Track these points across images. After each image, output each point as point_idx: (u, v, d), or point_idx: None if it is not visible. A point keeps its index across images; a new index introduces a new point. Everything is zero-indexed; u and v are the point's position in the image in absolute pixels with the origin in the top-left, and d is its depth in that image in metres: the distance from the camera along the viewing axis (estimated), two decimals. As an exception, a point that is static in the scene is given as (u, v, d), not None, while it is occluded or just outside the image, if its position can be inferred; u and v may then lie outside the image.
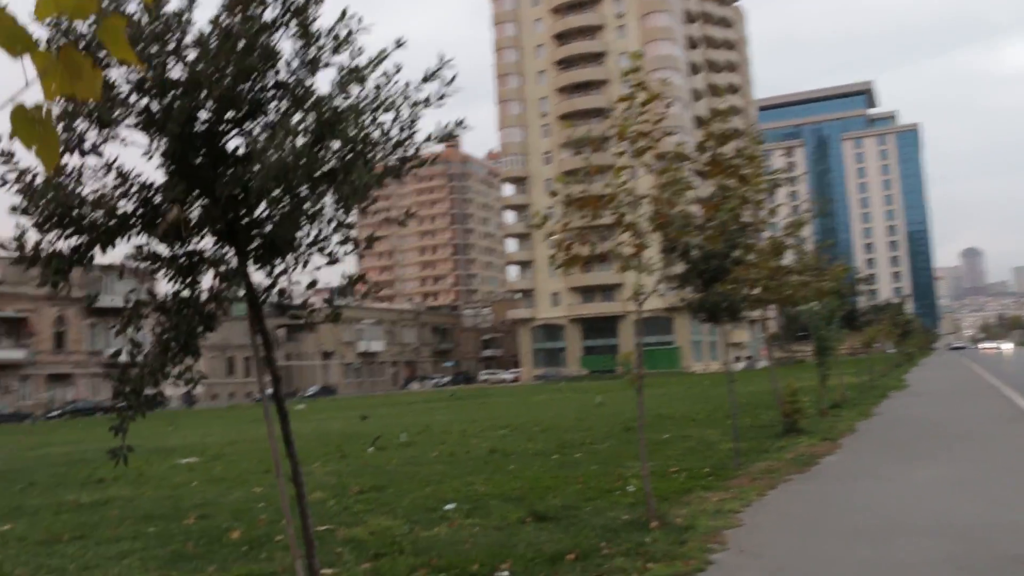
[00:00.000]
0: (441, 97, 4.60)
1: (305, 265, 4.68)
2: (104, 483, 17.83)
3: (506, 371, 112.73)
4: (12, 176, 4.29)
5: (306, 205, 4.13)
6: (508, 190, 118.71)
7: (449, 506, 11.43)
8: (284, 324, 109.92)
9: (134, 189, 4.40)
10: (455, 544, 8.84)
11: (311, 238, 4.44)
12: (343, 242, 4.57)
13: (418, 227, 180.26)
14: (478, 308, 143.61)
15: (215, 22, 4.19)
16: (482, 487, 13.16)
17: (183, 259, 4.52)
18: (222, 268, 4.37)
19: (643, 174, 9.51)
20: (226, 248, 4.64)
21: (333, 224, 4.45)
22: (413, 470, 16.38)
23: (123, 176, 4.40)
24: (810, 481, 12.54)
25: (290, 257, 4.53)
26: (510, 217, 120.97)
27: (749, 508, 10.26)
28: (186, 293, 4.69)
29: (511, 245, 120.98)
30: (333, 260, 4.69)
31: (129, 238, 4.52)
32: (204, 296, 4.60)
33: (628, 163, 9.11)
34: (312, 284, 4.90)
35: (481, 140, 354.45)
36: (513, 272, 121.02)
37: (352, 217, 4.56)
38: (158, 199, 4.42)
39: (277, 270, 4.74)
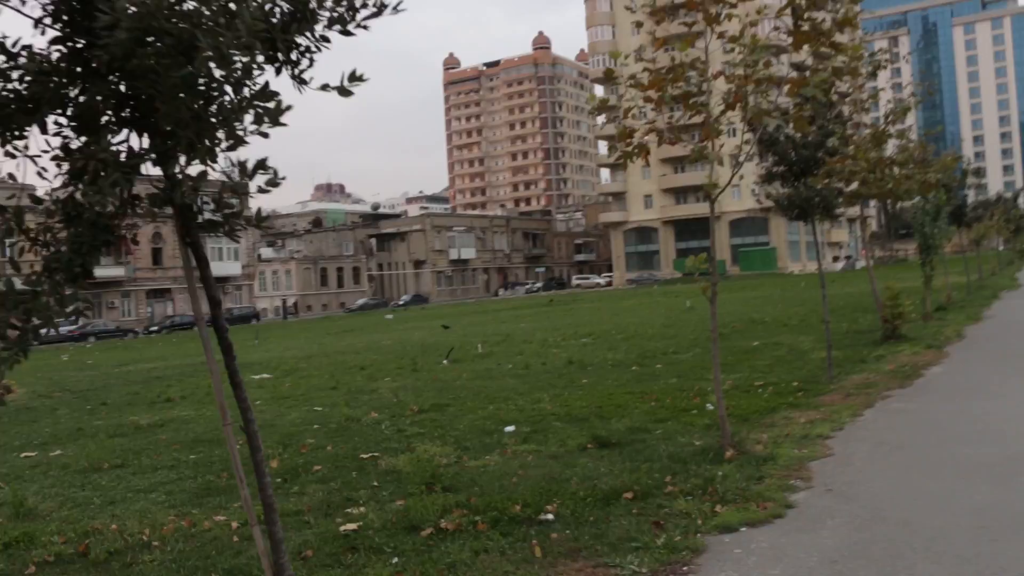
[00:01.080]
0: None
1: (202, 152, 3.53)
2: (172, 403, 17.51)
3: (599, 276, 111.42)
4: None
5: (184, 69, 2.99)
6: (599, 91, 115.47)
7: (508, 428, 10.49)
8: (375, 234, 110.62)
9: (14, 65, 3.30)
10: (502, 477, 7.87)
11: (200, 111, 3.28)
12: (256, 119, 3.42)
13: (509, 132, 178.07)
14: (570, 212, 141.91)
15: None
16: (549, 405, 12.18)
17: (80, 155, 3.43)
18: (102, 157, 3.26)
19: (719, 47, 8.07)
20: (132, 137, 3.55)
21: (233, 93, 3.29)
22: (482, 385, 15.53)
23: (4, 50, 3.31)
24: (913, 398, 11.12)
25: (186, 140, 3.39)
26: (601, 119, 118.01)
27: (841, 432, 8.95)
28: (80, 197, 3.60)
29: (603, 148, 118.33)
30: (236, 142, 3.54)
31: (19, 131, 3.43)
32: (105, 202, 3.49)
33: (699, 32, 7.71)
34: (202, 176, 3.78)
35: (571, 42, 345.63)
36: (605, 175, 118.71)
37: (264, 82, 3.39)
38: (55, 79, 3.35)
39: (180, 160, 3.60)
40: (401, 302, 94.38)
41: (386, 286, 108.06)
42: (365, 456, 9.60)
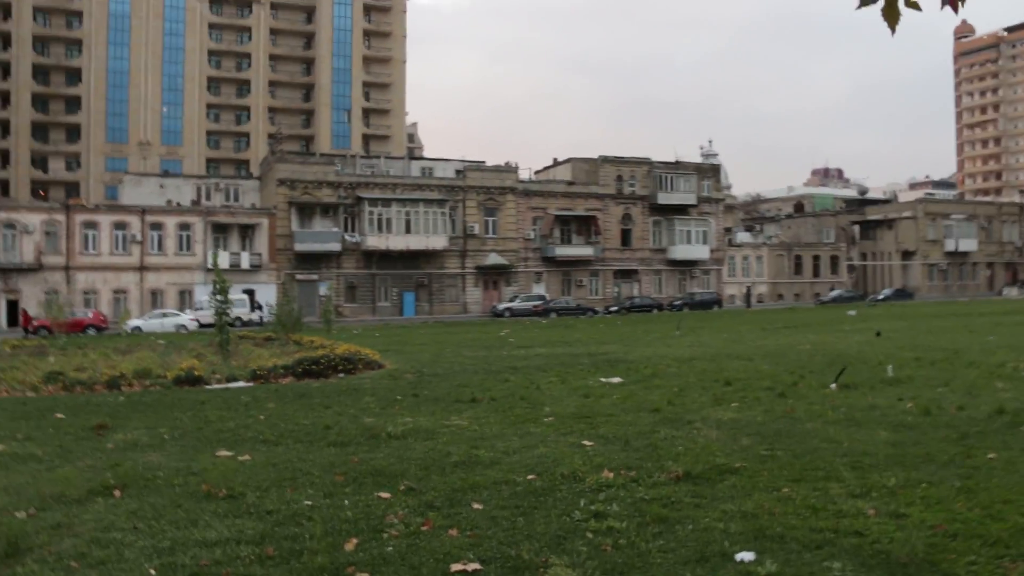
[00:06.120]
0: None
1: None
2: (474, 403, 14.73)
3: None
4: None
5: None
6: None
7: (742, 556, 5.75)
8: (859, 220, 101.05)
9: None
10: None
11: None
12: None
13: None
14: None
15: None
16: (872, 509, 6.96)
17: None
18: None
19: None
20: None
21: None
22: (833, 436, 10.41)
23: None
24: None
25: None
26: None
27: None
28: None
29: None
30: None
31: None
32: None
33: None
34: None
35: None
36: None
37: None
38: None
39: None
40: (880, 296, 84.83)
41: (868, 277, 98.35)
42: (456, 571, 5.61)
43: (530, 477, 8.50)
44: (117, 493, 8.33)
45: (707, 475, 8.27)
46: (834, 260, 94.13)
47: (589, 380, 18.01)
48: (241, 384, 19.37)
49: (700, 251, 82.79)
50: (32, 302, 59.15)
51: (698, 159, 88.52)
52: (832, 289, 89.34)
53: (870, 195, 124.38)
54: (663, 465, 8.77)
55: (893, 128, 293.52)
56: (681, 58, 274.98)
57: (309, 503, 7.69)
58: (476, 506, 7.41)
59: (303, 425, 12.66)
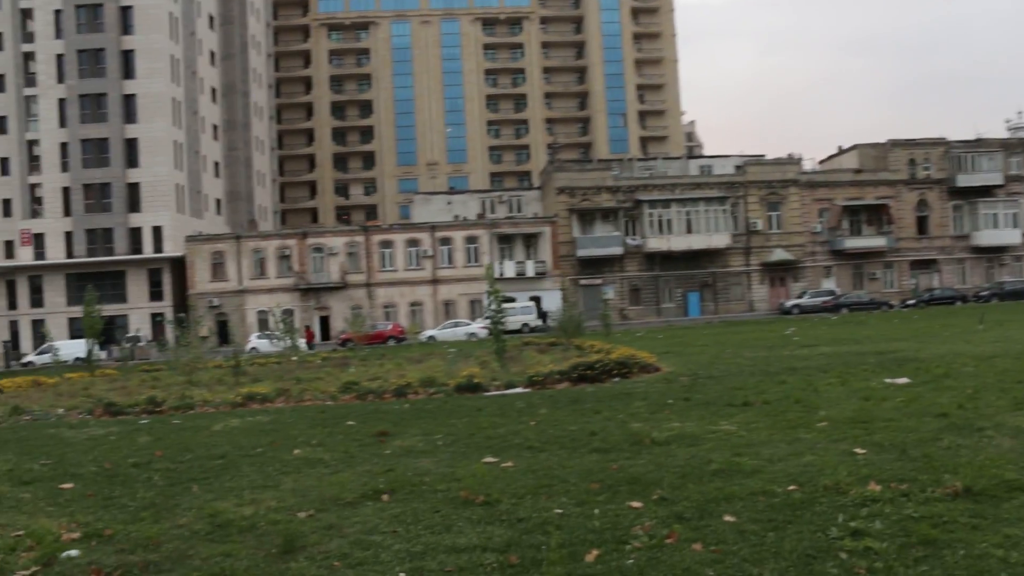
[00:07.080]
0: None
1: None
2: (745, 407, 14.22)
3: None
4: None
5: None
6: None
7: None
8: None
9: None
10: None
11: None
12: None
13: None
14: None
15: None
16: None
17: None
18: None
19: None
20: None
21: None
22: None
23: None
24: None
25: None
26: None
27: None
28: None
29: None
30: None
31: None
32: None
33: None
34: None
35: None
36: None
37: None
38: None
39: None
40: None
41: None
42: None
43: (790, 488, 8.06)
44: (385, 497, 8.79)
45: (991, 491, 7.43)
46: None
47: (872, 381, 16.86)
48: (518, 390, 19.90)
49: (1010, 236, 75.35)
50: (339, 317, 64.50)
51: (1004, 134, 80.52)
52: None
53: None
54: (940, 478, 7.99)
55: None
56: (978, 22, 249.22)
57: (560, 511, 7.73)
58: (727, 518, 7.12)
59: (570, 431, 12.77)
